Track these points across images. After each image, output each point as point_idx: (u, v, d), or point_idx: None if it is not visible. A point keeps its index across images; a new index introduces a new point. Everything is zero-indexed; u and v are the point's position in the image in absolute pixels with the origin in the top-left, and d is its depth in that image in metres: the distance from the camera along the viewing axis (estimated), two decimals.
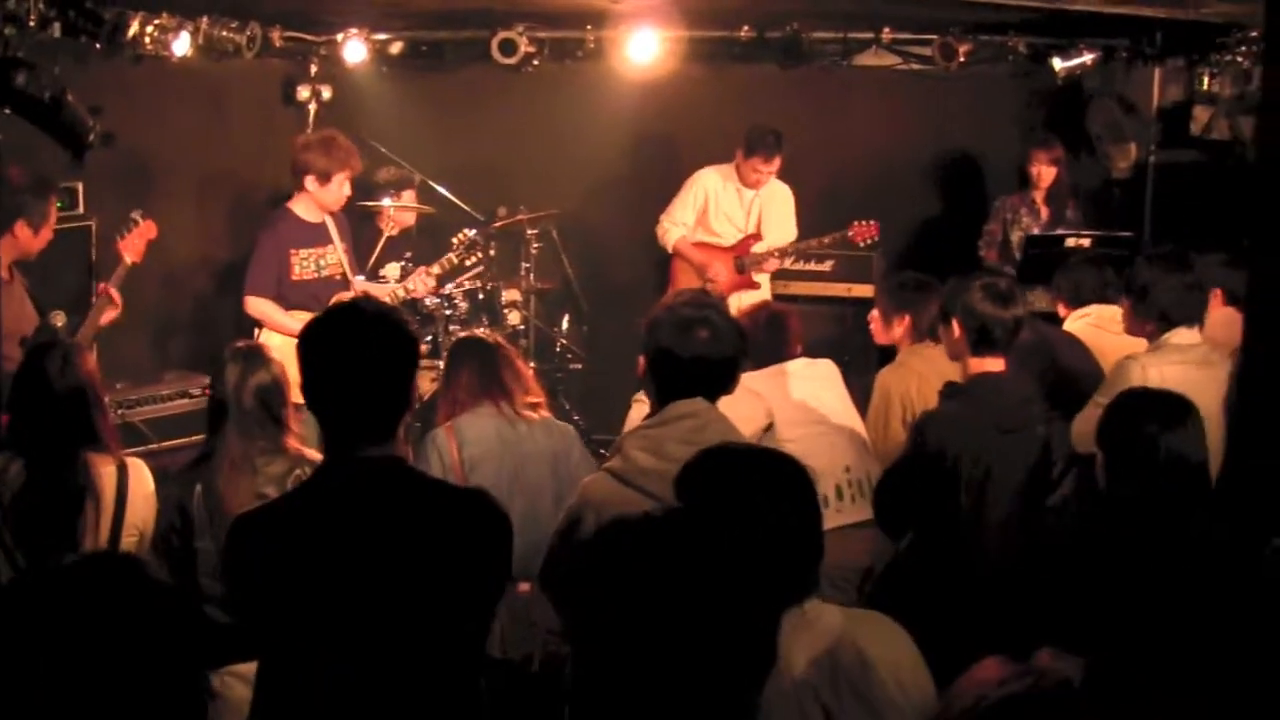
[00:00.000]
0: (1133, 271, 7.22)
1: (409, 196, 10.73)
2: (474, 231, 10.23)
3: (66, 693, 2.59)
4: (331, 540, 3.83)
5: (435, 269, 9.82)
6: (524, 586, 5.96)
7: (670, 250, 10.91)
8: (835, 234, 10.62)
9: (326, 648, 3.81)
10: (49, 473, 5.59)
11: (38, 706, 2.58)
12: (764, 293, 10.75)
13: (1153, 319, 7.04)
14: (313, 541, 3.85)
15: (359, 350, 3.84)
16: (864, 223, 10.56)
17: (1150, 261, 7.23)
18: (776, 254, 10.71)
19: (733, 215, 10.79)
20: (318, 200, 9.05)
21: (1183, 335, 6.90)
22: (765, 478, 3.80)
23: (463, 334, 6.96)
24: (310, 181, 8.99)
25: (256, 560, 3.89)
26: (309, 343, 3.94)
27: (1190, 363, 6.75)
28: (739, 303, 9.63)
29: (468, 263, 10.27)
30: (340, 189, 9.07)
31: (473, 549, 3.95)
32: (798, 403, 6.82)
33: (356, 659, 3.81)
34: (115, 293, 7.78)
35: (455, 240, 10.06)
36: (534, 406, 6.52)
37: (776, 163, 10.49)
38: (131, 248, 7.99)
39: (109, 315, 7.77)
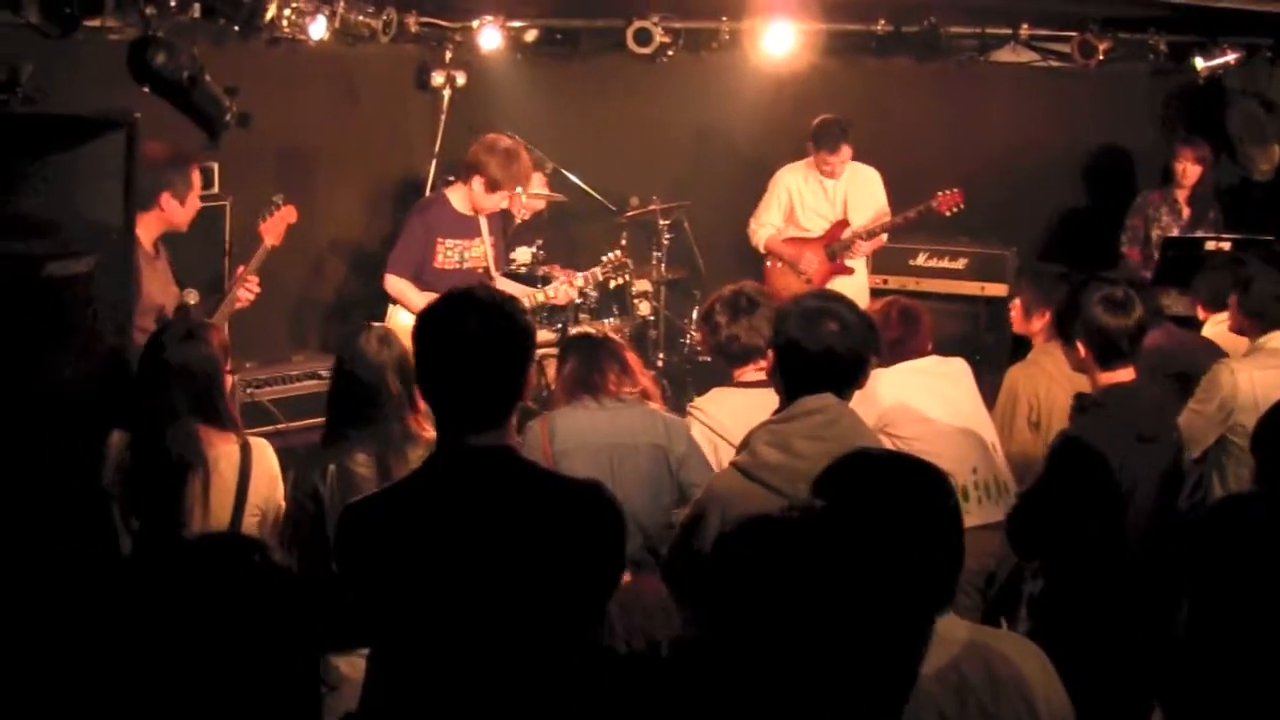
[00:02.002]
0: (1245, 267, 7.13)
1: (537, 182, 10.73)
2: (621, 252, 10.16)
3: (180, 669, 2.59)
4: (440, 528, 3.82)
5: (579, 281, 9.80)
6: (626, 578, 5.94)
7: (761, 251, 10.88)
8: (920, 206, 10.51)
9: (436, 637, 3.80)
10: (155, 445, 5.59)
11: (153, 682, 2.59)
12: (860, 278, 10.72)
13: (1251, 317, 6.94)
14: (422, 529, 3.84)
15: (470, 337, 3.81)
16: (948, 191, 10.45)
17: (1264, 259, 7.13)
18: (865, 235, 10.63)
19: (819, 208, 10.74)
20: (474, 201, 9.08)
21: (1277, 339, 6.79)
22: (912, 486, 3.70)
23: (574, 330, 6.90)
24: (477, 183, 9.00)
25: (366, 548, 3.89)
26: (422, 328, 3.93)
27: None
28: (849, 294, 9.59)
29: (612, 283, 10.25)
30: (499, 202, 9.11)
31: (584, 539, 3.91)
32: (926, 401, 6.74)
33: (466, 648, 3.79)
34: (254, 278, 7.81)
35: (606, 258, 9.99)
36: (640, 396, 6.43)
37: (845, 153, 10.41)
38: (272, 231, 8.03)
39: (245, 300, 7.81)
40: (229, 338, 6.28)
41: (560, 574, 3.85)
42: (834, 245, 10.64)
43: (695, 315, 11.96)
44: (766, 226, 10.82)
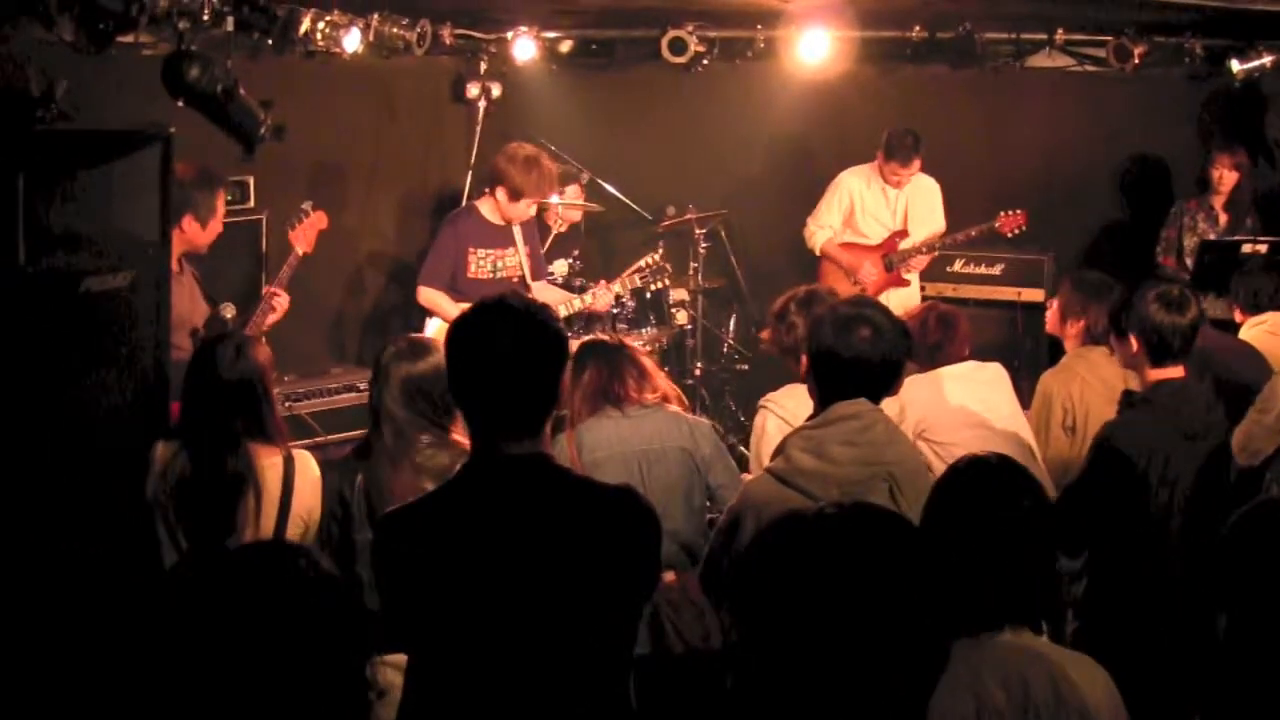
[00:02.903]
0: None
1: (573, 193, 10.76)
2: (659, 255, 10.18)
3: (229, 676, 2.60)
4: (476, 537, 3.81)
5: (616, 287, 9.83)
6: (670, 577, 5.94)
7: (818, 253, 10.88)
8: (983, 225, 10.51)
9: (472, 644, 3.80)
10: (212, 461, 5.64)
11: (201, 688, 2.60)
12: (913, 290, 10.69)
13: None
14: (458, 538, 3.83)
15: (503, 345, 3.80)
16: (1011, 213, 10.46)
17: None
18: (925, 249, 10.62)
19: (879, 215, 10.74)
20: (501, 210, 9.12)
21: None
22: (1022, 496, 3.72)
23: (586, 339, 6.87)
24: (501, 193, 9.08)
25: (402, 557, 3.88)
26: (455, 336, 3.92)
27: None
28: (901, 304, 9.57)
29: (651, 287, 10.26)
30: (526, 210, 9.18)
31: (620, 546, 3.91)
32: (963, 405, 6.73)
33: (503, 656, 3.79)
34: (282, 293, 7.83)
35: (644, 263, 10.02)
36: (661, 400, 6.38)
37: (915, 165, 10.42)
38: (302, 238, 8.05)
39: (275, 316, 7.83)
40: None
41: (598, 580, 3.85)
42: (892, 256, 10.63)
43: (733, 322, 12.00)
44: (825, 229, 10.81)
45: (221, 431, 5.68)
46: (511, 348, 3.80)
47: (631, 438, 6.16)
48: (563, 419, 7.72)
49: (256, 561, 2.81)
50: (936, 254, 10.86)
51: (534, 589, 3.78)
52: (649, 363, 6.46)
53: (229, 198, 8.30)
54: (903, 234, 10.65)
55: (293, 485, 5.77)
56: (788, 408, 6.31)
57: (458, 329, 3.94)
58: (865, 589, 2.69)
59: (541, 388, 3.88)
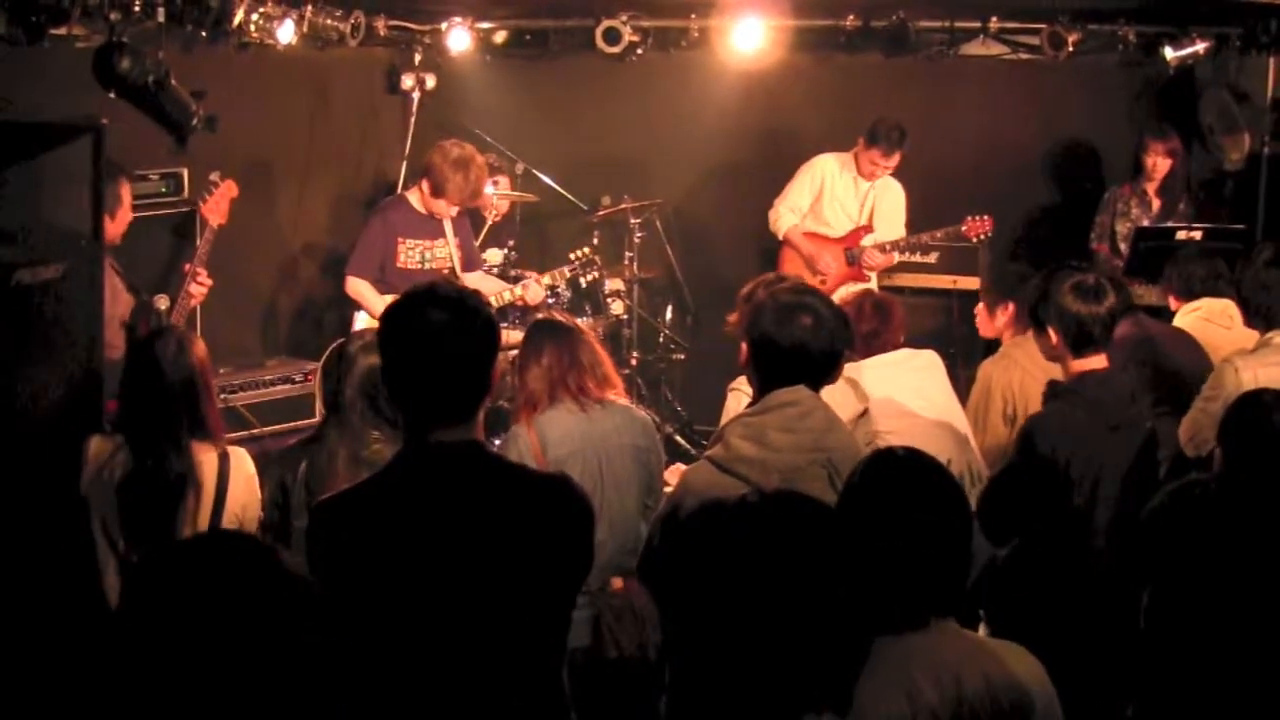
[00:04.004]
0: (1243, 265, 7.11)
1: (504, 184, 10.75)
2: (589, 249, 10.18)
3: (198, 668, 2.58)
4: (409, 524, 3.82)
5: (547, 279, 9.82)
6: (618, 583, 5.93)
7: (781, 238, 10.81)
8: (949, 228, 10.52)
9: (404, 631, 3.80)
10: (155, 461, 5.61)
11: (172, 681, 2.57)
12: (872, 285, 10.65)
13: (1259, 315, 6.93)
14: (390, 525, 3.83)
15: (434, 330, 3.80)
16: (978, 218, 10.44)
17: (1258, 256, 7.11)
18: (888, 247, 10.61)
19: (846, 204, 10.70)
20: (424, 201, 9.09)
21: None
22: (933, 491, 3.71)
23: (539, 317, 6.80)
24: (425, 185, 9.05)
25: (335, 544, 3.87)
26: (386, 324, 3.93)
27: None
28: (843, 291, 9.56)
29: (583, 280, 10.24)
30: (445, 209, 9.14)
31: (553, 534, 3.92)
32: (900, 393, 6.74)
33: (435, 642, 3.80)
34: (202, 272, 7.78)
35: (574, 255, 10.04)
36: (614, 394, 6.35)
37: (896, 158, 10.40)
38: (215, 210, 7.98)
39: (198, 296, 7.78)
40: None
41: (529, 567, 3.86)
42: (854, 250, 10.62)
43: (669, 312, 11.98)
44: (793, 212, 10.74)
45: (166, 430, 5.65)
46: (443, 333, 3.80)
47: (592, 434, 6.10)
48: (503, 409, 7.66)
49: (217, 552, 2.77)
50: (897, 257, 10.86)
51: (465, 576, 3.79)
52: (602, 351, 6.41)
53: (163, 189, 8.26)
54: (867, 229, 10.64)
55: (227, 482, 5.76)
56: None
57: (390, 316, 3.93)
58: (783, 576, 2.71)
59: (474, 374, 3.88)
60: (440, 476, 3.85)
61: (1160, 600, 5.33)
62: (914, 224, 10.70)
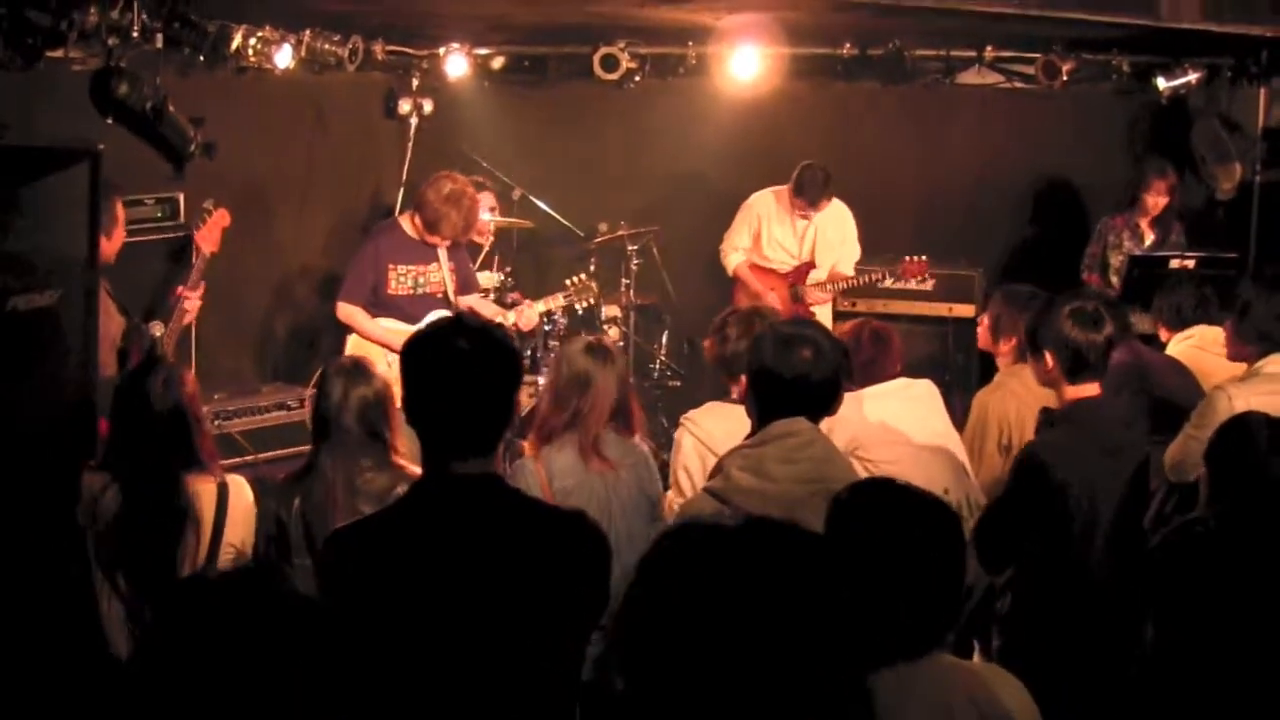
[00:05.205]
0: (1237, 290, 7.09)
1: (487, 200, 10.75)
2: (585, 275, 10.14)
3: (223, 710, 2.57)
4: (425, 556, 3.79)
5: (542, 306, 9.83)
6: None
7: (729, 274, 10.95)
8: (884, 269, 10.62)
9: (418, 663, 3.77)
10: (148, 497, 5.59)
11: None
12: (824, 319, 10.64)
13: (1252, 340, 6.90)
14: (406, 557, 3.81)
15: (460, 365, 3.78)
16: (914, 259, 10.52)
17: (1255, 280, 7.10)
18: (829, 285, 10.65)
19: (784, 242, 10.80)
20: (415, 229, 9.05)
21: (1275, 364, 6.75)
22: (925, 522, 3.68)
23: (589, 338, 6.60)
24: (417, 218, 9.01)
25: (350, 575, 3.85)
26: (410, 356, 3.91)
27: None
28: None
29: (578, 305, 10.23)
30: (434, 241, 9.08)
31: (569, 569, 3.89)
32: (897, 423, 6.73)
33: (449, 676, 3.77)
34: (191, 294, 7.78)
35: (570, 282, 10.02)
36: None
37: (823, 206, 10.49)
38: (207, 238, 7.99)
39: (188, 317, 7.78)
40: (195, 368, 6.26)
41: (545, 603, 3.83)
42: (799, 286, 10.65)
43: (665, 338, 12.00)
44: (738, 251, 10.85)
45: (157, 465, 5.64)
46: (467, 365, 3.78)
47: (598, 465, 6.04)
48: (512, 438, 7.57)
49: (243, 588, 2.76)
50: (839, 291, 10.86)
51: (481, 610, 3.76)
52: (636, 402, 6.35)
53: (158, 214, 8.26)
54: (810, 266, 10.67)
55: (226, 513, 5.74)
56: (704, 426, 6.26)
57: (414, 348, 3.92)
58: (771, 607, 2.55)
59: (496, 407, 3.87)
60: (459, 510, 3.83)
61: (1167, 636, 5.31)
62: (910, 250, 10.71)
